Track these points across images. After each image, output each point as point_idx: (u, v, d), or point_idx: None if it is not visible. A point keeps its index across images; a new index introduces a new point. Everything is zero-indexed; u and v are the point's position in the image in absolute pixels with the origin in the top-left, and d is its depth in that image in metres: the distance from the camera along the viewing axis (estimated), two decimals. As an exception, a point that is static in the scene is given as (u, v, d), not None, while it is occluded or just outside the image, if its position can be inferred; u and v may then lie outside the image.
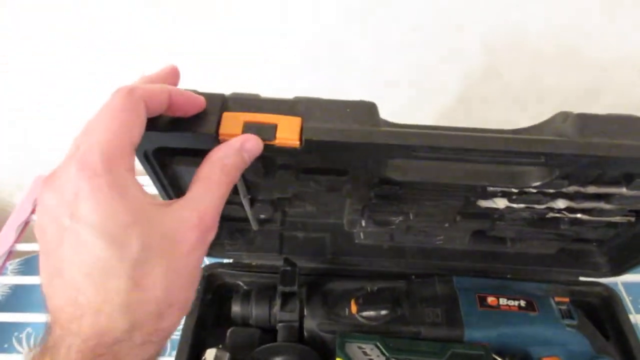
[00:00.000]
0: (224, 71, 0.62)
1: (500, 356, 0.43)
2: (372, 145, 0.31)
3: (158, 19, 0.57)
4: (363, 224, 0.49)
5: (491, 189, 0.39)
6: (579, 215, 0.43)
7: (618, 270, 0.49)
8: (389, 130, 0.31)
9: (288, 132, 0.30)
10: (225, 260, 0.53)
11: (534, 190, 0.38)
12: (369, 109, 0.32)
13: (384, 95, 0.64)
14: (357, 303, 0.46)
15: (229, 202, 0.46)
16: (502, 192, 0.39)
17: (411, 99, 0.66)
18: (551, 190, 0.38)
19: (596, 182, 0.38)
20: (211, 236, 0.27)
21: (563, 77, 0.61)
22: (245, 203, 0.44)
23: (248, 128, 0.30)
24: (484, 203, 0.42)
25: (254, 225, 0.51)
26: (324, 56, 0.61)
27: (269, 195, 0.45)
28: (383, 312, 0.45)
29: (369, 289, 0.48)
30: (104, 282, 0.23)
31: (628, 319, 0.48)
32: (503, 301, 0.46)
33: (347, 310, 0.46)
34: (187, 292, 0.26)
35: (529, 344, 0.44)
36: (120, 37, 0.59)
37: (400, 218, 0.48)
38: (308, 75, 0.63)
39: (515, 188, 0.37)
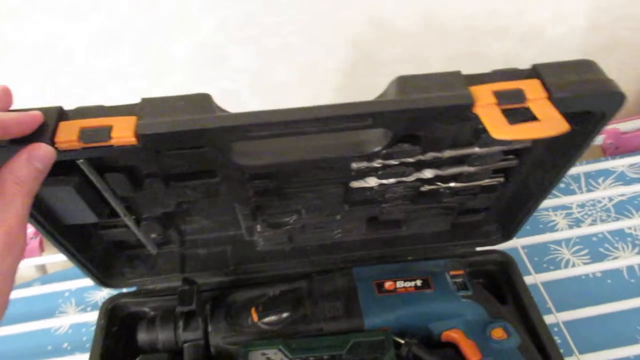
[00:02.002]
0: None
1: (402, 337, 0.44)
2: (205, 131, 0.31)
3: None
4: (259, 229, 0.49)
5: (355, 165, 0.40)
6: (452, 184, 0.44)
7: (508, 234, 0.51)
8: (219, 115, 0.32)
9: (123, 131, 0.31)
10: (129, 290, 0.52)
11: (395, 162, 0.40)
12: (203, 99, 0.33)
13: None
14: (257, 311, 0.46)
15: (115, 227, 0.45)
16: (367, 167, 0.40)
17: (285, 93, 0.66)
18: (410, 160, 0.40)
19: (452, 146, 0.40)
20: (20, 244, 0.28)
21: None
22: (130, 223, 0.43)
23: (84, 133, 0.31)
24: (357, 184, 0.43)
25: (152, 249, 0.50)
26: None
27: (153, 212, 0.44)
28: (284, 315, 0.45)
29: (271, 294, 0.48)
30: None
31: (522, 279, 0.49)
32: (400, 284, 0.47)
33: (249, 319, 0.46)
34: None
35: (428, 321, 0.45)
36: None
37: (294, 217, 0.48)
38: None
39: (361, 154, 0.38)
